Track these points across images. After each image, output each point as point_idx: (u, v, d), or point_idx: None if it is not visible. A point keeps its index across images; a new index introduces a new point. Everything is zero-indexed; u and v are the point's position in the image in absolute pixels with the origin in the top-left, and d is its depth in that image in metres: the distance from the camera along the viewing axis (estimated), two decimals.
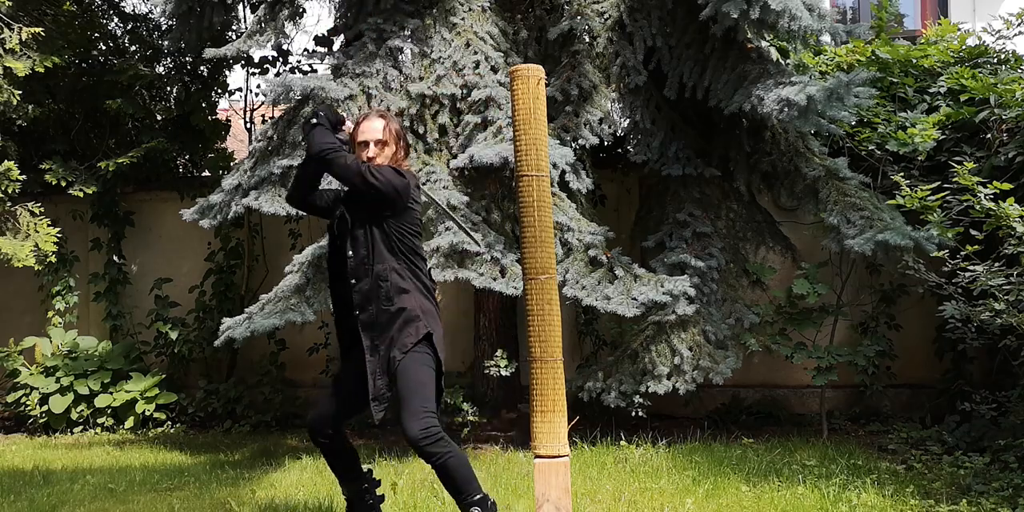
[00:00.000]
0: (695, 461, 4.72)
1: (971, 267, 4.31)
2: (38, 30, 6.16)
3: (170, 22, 6.54)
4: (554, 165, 4.86)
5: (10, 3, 6.13)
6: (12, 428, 6.78)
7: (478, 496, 3.09)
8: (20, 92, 6.21)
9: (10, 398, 6.62)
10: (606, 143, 5.56)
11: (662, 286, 4.98)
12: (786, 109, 4.81)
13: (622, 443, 5.18)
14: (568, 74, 5.34)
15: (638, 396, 5.10)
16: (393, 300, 3.16)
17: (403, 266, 3.20)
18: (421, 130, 5.30)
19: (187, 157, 7.48)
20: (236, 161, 6.77)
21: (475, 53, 5.30)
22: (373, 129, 3.28)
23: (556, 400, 2.85)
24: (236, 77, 14.23)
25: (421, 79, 5.34)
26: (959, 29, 6.08)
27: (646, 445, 5.17)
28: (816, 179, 5.34)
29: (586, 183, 5.24)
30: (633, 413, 5.17)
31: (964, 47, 5.97)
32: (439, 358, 3.20)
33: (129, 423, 6.47)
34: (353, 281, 3.20)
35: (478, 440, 5.67)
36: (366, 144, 3.27)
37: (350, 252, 3.21)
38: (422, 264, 3.29)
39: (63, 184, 6.71)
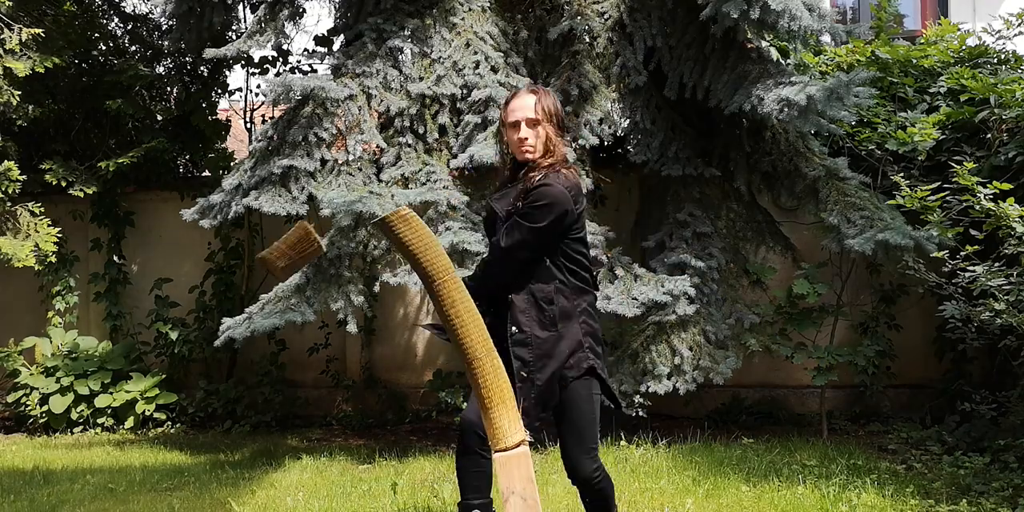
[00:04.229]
0: (695, 461, 4.72)
1: (971, 267, 4.31)
2: (38, 31, 6.16)
3: (170, 22, 6.54)
4: None
5: (10, 3, 6.13)
6: (12, 428, 6.78)
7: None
8: (20, 92, 6.21)
9: (10, 398, 6.62)
10: (606, 143, 5.56)
11: (662, 286, 4.98)
12: (786, 109, 4.81)
13: (622, 443, 5.18)
14: (568, 74, 5.34)
15: (638, 396, 5.10)
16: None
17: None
18: (421, 130, 5.31)
19: (187, 157, 7.47)
20: (236, 161, 6.77)
21: (475, 53, 5.30)
22: (524, 107, 2.90)
23: (501, 392, 2.80)
24: (236, 77, 14.22)
25: (421, 79, 5.34)
26: (959, 29, 6.08)
27: (646, 445, 5.17)
28: (816, 179, 5.34)
29: (586, 183, 5.24)
30: (633, 413, 5.17)
31: (964, 47, 5.96)
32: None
33: (129, 423, 6.47)
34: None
35: None
36: (517, 125, 2.91)
37: None
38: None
39: (63, 184, 6.70)
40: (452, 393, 5.81)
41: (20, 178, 6.17)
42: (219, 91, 7.38)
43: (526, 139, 2.89)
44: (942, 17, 8.18)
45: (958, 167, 4.47)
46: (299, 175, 5.15)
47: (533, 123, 2.89)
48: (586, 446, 2.87)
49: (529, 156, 2.91)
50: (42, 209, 6.43)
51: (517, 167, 2.99)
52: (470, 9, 5.48)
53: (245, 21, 7.00)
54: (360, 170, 5.27)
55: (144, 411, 6.45)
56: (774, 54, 5.64)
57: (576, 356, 2.86)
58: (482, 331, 2.77)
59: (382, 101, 5.28)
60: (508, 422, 2.79)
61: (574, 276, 2.90)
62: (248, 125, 7.65)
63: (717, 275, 5.37)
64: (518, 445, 2.80)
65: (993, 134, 5.35)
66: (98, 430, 6.52)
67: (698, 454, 4.91)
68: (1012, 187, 4.48)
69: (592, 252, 4.99)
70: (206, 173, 7.43)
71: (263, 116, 7.65)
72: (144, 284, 7.05)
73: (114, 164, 6.59)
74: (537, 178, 2.85)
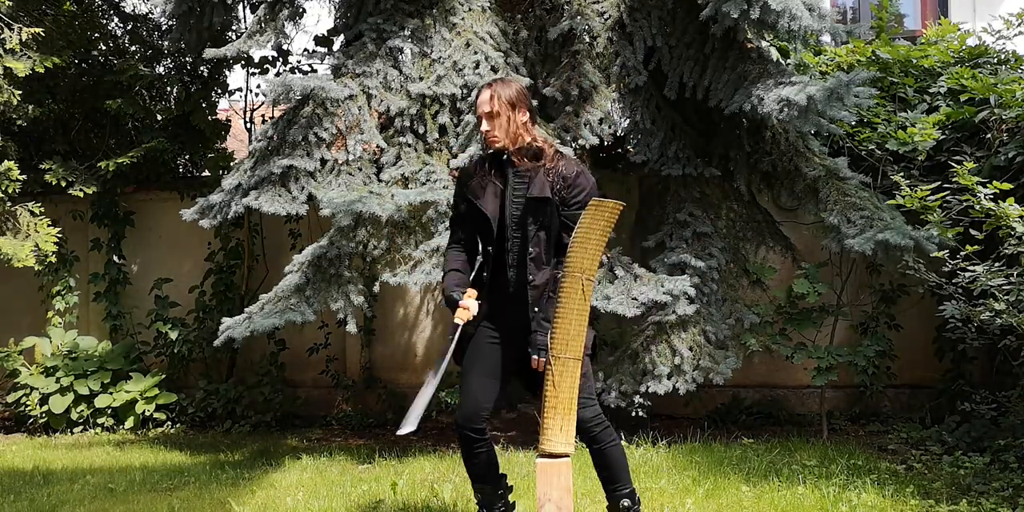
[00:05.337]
0: (695, 461, 4.72)
1: (971, 267, 4.31)
2: (38, 30, 6.16)
3: (170, 22, 6.54)
4: None
5: (10, 3, 6.13)
6: (12, 428, 6.78)
7: (629, 489, 3.17)
8: (20, 92, 6.21)
9: (10, 398, 6.61)
10: (606, 143, 5.55)
11: (662, 286, 4.98)
12: (786, 109, 4.81)
13: (622, 443, 5.17)
14: (568, 74, 5.34)
15: (638, 396, 5.10)
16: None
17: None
18: (421, 130, 5.30)
19: (187, 157, 7.47)
20: (236, 161, 6.77)
21: (475, 53, 5.30)
22: (482, 102, 3.12)
23: (570, 399, 2.85)
24: (236, 77, 14.17)
25: (421, 79, 5.34)
26: (959, 29, 6.08)
27: (646, 445, 5.17)
28: (816, 179, 5.34)
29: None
30: (633, 413, 5.17)
31: (964, 47, 5.96)
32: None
33: (129, 423, 6.47)
34: (531, 277, 3.08)
35: None
36: (480, 119, 3.15)
37: (531, 250, 3.10)
38: None
39: (63, 184, 6.70)
40: (452, 393, 5.81)
41: (20, 178, 6.17)
42: (219, 91, 7.38)
43: (488, 131, 3.12)
44: (942, 17, 8.18)
45: (958, 167, 4.47)
46: (299, 175, 5.15)
47: (491, 115, 3.10)
48: (582, 395, 3.03)
49: (496, 145, 3.13)
50: (42, 209, 6.43)
51: (495, 156, 3.21)
52: (470, 9, 5.48)
53: (245, 21, 7.00)
54: (360, 170, 5.27)
55: (144, 411, 6.44)
56: (774, 54, 5.64)
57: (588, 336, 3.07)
58: (583, 338, 2.85)
59: (382, 101, 5.27)
60: (563, 430, 2.84)
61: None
62: (248, 125, 7.65)
63: (717, 275, 5.37)
64: (564, 455, 2.84)
65: (993, 134, 5.35)
66: (98, 430, 6.52)
67: (698, 454, 4.91)
68: (1012, 187, 4.47)
69: None
70: (206, 173, 7.42)
71: (263, 116, 7.65)
72: (144, 284, 7.05)
73: (114, 164, 6.59)
74: (562, 165, 3.12)
